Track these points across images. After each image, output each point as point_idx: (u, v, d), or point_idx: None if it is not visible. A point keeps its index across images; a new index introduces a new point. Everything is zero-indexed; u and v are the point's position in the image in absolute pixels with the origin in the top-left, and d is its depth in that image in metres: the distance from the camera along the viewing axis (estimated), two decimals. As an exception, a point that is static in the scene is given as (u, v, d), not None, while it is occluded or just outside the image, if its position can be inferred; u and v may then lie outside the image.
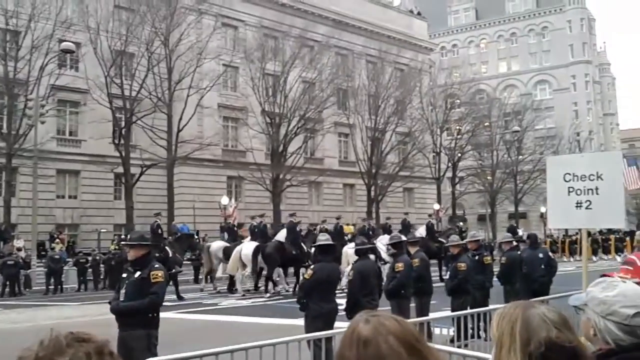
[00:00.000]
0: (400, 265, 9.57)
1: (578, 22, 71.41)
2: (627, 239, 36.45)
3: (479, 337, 8.06)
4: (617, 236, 38.52)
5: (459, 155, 48.56)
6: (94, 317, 14.54)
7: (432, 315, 9.46)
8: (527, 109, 54.78)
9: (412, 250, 10.65)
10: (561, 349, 1.67)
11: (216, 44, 36.56)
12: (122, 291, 6.30)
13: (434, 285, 10.95)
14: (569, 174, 6.77)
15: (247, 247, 19.87)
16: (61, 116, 36.33)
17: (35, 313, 16.50)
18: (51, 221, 34.30)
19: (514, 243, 12.56)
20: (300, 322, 8.08)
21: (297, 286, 16.26)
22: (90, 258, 26.11)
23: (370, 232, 23.42)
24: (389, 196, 44.76)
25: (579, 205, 6.70)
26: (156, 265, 6.39)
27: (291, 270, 21.63)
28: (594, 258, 36.68)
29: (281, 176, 36.25)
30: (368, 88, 42.68)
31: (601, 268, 23.13)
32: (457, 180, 49.87)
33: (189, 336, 10.73)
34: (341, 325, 6.95)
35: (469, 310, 8.87)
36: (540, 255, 11.86)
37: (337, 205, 44.24)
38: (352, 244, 18.55)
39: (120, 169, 32.52)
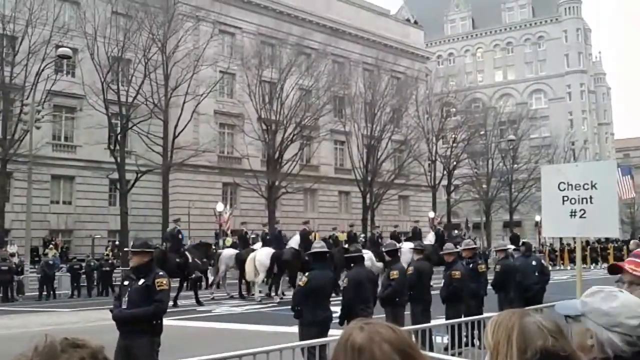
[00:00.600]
0: (395, 273, 9.57)
1: (574, 32, 71.80)
2: (625, 247, 36.54)
3: (472, 345, 8.05)
4: (616, 245, 38.59)
5: (455, 163, 48.69)
6: (88, 323, 14.48)
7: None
8: (523, 118, 55.08)
9: (416, 257, 10.66)
10: (557, 358, 1.67)
11: (213, 51, 36.59)
12: (125, 298, 6.22)
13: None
14: (564, 183, 6.81)
15: (261, 253, 19.99)
16: (57, 122, 36.28)
17: (28, 319, 16.39)
18: (45, 227, 34.20)
19: (509, 250, 12.58)
20: (295, 329, 8.05)
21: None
22: (84, 264, 26.01)
23: (379, 240, 23.84)
24: (384, 204, 44.81)
25: (573, 214, 6.73)
26: (160, 273, 6.36)
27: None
28: (593, 267, 36.78)
29: (277, 183, 36.21)
30: (364, 96, 42.80)
31: (596, 277, 23.17)
32: (452, 188, 50.01)
33: (182, 343, 10.67)
34: (335, 333, 6.92)
35: (463, 319, 8.85)
36: (533, 262, 11.89)
37: (333, 213, 44.25)
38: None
39: (115, 175, 32.38)
